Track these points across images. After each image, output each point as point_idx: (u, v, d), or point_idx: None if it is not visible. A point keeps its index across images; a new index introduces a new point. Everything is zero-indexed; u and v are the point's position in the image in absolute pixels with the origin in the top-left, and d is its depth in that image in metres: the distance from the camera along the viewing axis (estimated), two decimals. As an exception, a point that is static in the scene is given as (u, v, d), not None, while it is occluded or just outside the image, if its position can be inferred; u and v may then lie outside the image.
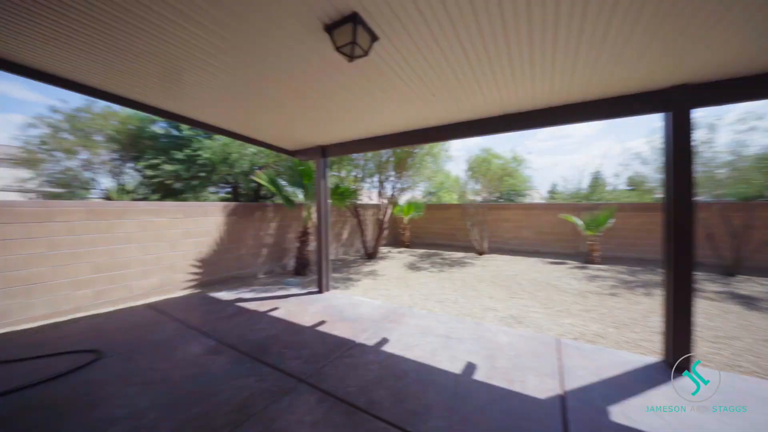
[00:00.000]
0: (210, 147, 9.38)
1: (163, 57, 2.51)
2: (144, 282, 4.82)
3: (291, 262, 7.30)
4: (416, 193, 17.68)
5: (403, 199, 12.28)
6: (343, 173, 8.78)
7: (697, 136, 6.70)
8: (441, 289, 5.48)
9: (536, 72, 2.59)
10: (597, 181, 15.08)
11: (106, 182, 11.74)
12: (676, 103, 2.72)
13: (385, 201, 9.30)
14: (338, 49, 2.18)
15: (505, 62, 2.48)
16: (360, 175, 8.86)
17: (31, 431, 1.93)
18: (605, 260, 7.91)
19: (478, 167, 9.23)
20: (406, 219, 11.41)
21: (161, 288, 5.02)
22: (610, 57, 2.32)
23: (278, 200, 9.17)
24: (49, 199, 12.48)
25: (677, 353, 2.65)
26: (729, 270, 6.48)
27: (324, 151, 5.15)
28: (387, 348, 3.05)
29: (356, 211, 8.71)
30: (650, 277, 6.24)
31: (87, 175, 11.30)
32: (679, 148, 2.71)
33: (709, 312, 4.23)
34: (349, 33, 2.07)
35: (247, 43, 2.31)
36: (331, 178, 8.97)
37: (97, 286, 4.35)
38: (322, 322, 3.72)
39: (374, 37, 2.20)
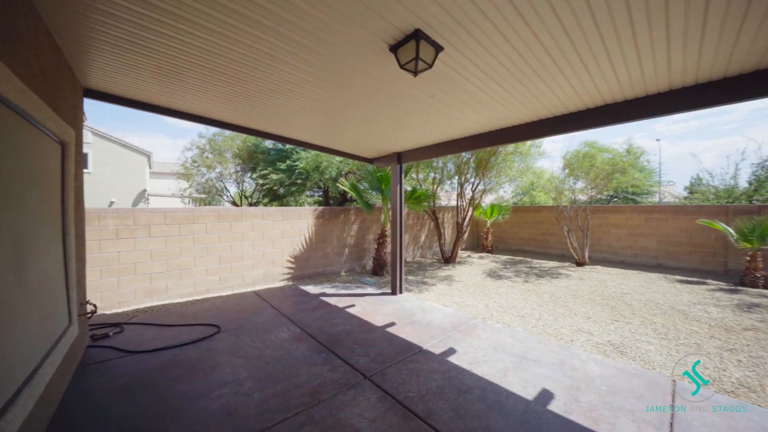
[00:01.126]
0: (305, 158, 10.72)
1: (270, 91, 3.04)
2: (253, 273, 5.87)
3: (369, 263, 7.74)
4: (505, 194, 16.49)
5: (486, 201, 11.59)
6: (421, 176, 8.84)
7: None
8: (524, 302, 4.99)
9: (644, 52, 2.13)
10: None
11: (233, 189, 14.72)
12: None
13: (465, 203, 8.95)
14: (402, 66, 2.26)
15: (600, 51, 2.14)
16: (438, 178, 8.77)
17: (174, 382, 2.61)
18: (772, 284, 5.82)
19: (578, 164, 7.99)
20: (488, 222, 10.74)
21: (264, 279, 6.02)
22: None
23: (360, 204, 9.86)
24: (195, 206, 16.16)
25: None
26: None
27: (399, 158, 5.32)
28: (453, 359, 2.97)
29: (434, 213, 8.64)
30: None
31: (221, 184, 14.39)
32: None
33: None
34: (412, 50, 2.12)
35: (330, 71, 2.59)
36: (410, 182, 9.15)
37: (222, 274, 5.52)
38: (392, 324, 3.86)
39: (438, 49, 2.19)
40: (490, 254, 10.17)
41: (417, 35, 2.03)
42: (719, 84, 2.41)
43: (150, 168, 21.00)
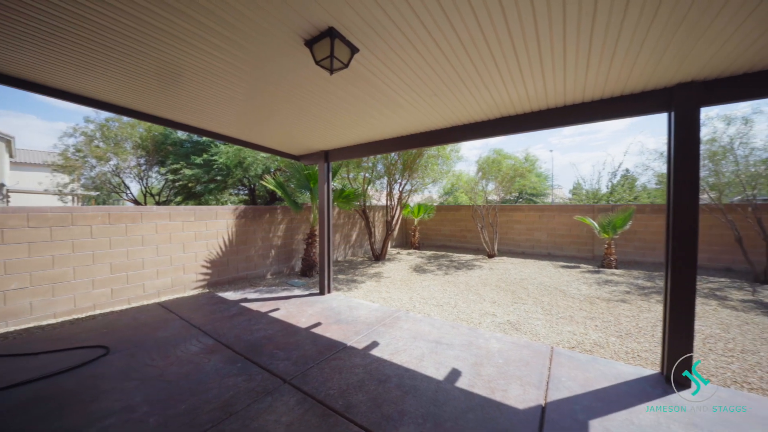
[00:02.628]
0: (225, 152, 9.77)
1: (176, 75, 2.68)
2: (157, 282, 5.12)
3: (298, 264, 7.48)
4: (432, 194, 17.67)
5: (413, 201, 12.26)
6: (352, 175, 8.90)
7: (732, 131, 6.16)
8: (443, 293, 5.44)
9: (526, 76, 2.53)
10: (624, 180, 13.37)
11: (134, 186, 12.55)
12: (679, 101, 2.57)
13: (394, 202, 9.32)
14: (318, 62, 2.25)
15: (493, 69, 2.45)
16: (369, 177, 8.94)
17: (34, 422, 2.12)
18: (621, 264, 7.54)
19: (489, 168, 9.06)
20: (416, 220, 11.39)
21: (173, 288, 5.31)
22: (607, 55, 2.22)
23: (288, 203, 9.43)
24: (75, 205, 13.41)
25: (673, 364, 2.51)
26: (761, 277, 6.00)
27: (326, 156, 5.26)
28: (375, 352, 3.08)
29: (364, 212, 8.79)
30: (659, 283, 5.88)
31: (117, 179, 12.12)
32: (681, 149, 2.56)
33: (728, 322, 3.96)
34: (327, 47, 2.13)
35: (247, 60, 2.42)
36: (340, 181, 9.12)
37: (114, 285, 4.67)
38: (317, 324, 3.81)
39: (354, 49, 2.24)
40: (417, 250, 10.80)
41: (331, 33, 2.05)
42: (584, 105, 3.01)
43: (12, 156, 16.45)
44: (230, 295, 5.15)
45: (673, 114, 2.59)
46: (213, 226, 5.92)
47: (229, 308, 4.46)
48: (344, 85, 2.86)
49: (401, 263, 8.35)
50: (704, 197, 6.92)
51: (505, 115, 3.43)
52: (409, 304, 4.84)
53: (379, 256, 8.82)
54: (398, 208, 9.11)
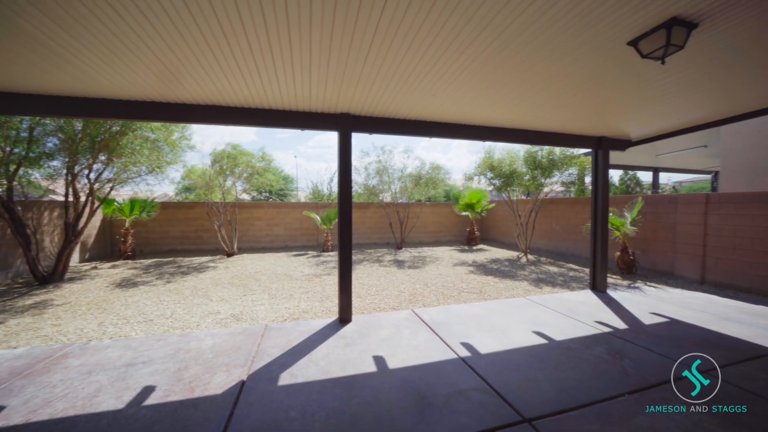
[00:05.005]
0: None
1: None
2: None
3: None
4: (168, 190, 14.08)
5: (124, 196, 9.26)
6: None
7: (385, 158, 9.66)
8: (157, 305, 4.51)
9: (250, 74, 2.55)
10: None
11: None
12: (342, 125, 3.63)
13: (83, 196, 6.52)
14: None
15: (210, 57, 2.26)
16: (20, 153, 5.61)
17: None
18: (335, 248, 9.80)
19: (227, 163, 8.54)
20: (127, 221, 8.65)
21: None
22: (290, 81, 2.69)
23: None
24: None
25: (342, 310, 3.61)
26: (396, 245, 9.94)
27: None
28: (-3, 419, 2.00)
29: (10, 210, 5.47)
30: (357, 257, 8.39)
31: None
32: (343, 161, 3.66)
33: (380, 274, 6.25)
34: None
35: None
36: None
37: None
38: None
39: None
40: (130, 260, 8.26)
41: None
42: (301, 114, 3.51)
43: None
44: None
45: (338, 134, 3.66)
46: None
47: None
48: None
49: (96, 280, 6.04)
50: (387, 198, 10.43)
51: (226, 105, 3.33)
52: (97, 332, 3.59)
53: (49, 277, 5.85)
54: (90, 204, 6.49)
